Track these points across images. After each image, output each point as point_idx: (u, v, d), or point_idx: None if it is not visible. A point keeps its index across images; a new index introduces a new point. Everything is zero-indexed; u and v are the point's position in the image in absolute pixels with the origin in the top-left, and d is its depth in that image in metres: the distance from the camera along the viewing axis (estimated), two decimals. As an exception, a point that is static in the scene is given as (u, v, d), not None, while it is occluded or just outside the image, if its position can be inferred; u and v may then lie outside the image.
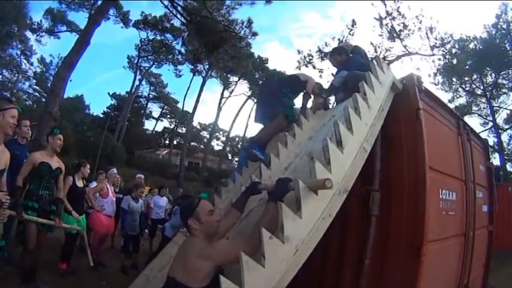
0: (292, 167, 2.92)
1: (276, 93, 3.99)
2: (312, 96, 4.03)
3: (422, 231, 2.35)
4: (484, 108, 26.64)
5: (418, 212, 2.40)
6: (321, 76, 19.79)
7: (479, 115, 27.14)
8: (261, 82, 32.90)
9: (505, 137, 26.84)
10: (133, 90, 40.54)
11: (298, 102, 4.18)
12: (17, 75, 34.30)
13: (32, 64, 35.39)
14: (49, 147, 3.97)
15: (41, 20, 29.94)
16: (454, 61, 22.46)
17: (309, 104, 4.07)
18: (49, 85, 23.09)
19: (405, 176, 2.55)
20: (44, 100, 24.19)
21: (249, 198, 2.42)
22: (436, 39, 20.99)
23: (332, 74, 4.33)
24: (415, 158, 2.52)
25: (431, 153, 2.57)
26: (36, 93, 36.60)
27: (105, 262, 5.64)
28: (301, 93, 4.13)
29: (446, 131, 3.37)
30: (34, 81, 36.42)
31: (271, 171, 2.97)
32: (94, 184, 6.14)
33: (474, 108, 27.19)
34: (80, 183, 5.00)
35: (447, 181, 3.06)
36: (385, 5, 20.02)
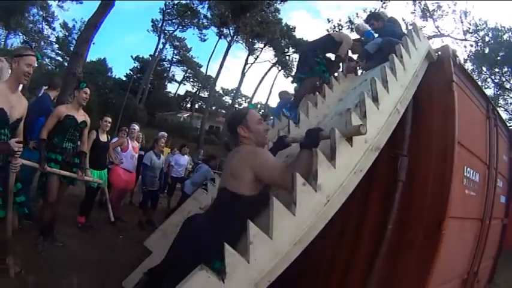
0: (320, 126, 2.87)
1: (308, 54, 4.18)
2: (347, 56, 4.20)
3: (446, 205, 2.33)
4: (511, 103, 25.87)
5: (443, 184, 2.37)
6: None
7: (506, 110, 26.28)
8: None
9: (530, 136, 25.88)
10: (156, 53, 40.75)
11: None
12: (38, 40, 34.54)
13: (54, 29, 35.88)
14: (74, 101, 3.97)
15: (63, -15, 30.03)
16: (486, 50, 21.67)
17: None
18: (72, 48, 23.29)
19: (433, 146, 2.51)
20: (66, 64, 24.42)
21: (277, 153, 2.43)
22: (470, 24, 20.37)
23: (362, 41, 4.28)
24: (445, 130, 2.48)
25: (460, 128, 2.51)
26: (59, 58, 37.00)
27: (123, 217, 5.74)
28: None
29: (476, 111, 3.29)
30: (56, 46, 36.72)
31: (299, 129, 2.96)
32: (116, 139, 6.21)
33: (501, 101, 26.29)
34: (103, 138, 5.00)
35: (472, 160, 3.00)
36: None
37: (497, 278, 4.71)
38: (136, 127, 6.20)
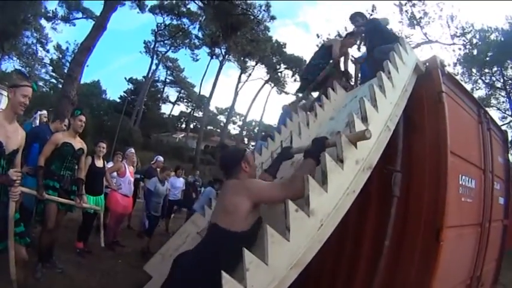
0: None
1: (310, 70, 4.80)
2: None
3: (442, 215, 2.34)
4: (503, 102, 26.00)
5: (439, 195, 2.39)
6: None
7: (498, 109, 26.43)
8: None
9: (523, 133, 26.11)
10: (150, 74, 41.18)
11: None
12: (33, 62, 34.74)
13: (48, 51, 36.00)
14: (71, 129, 4.02)
15: (56, 9, 30.45)
16: (475, 52, 21.93)
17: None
18: (66, 71, 23.42)
19: (426, 158, 2.54)
20: (60, 86, 24.56)
21: (281, 163, 2.50)
22: (457, 28, 20.66)
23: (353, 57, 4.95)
24: (437, 140, 2.51)
25: (452, 138, 2.54)
26: (53, 80, 37.22)
27: (122, 242, 5.73)
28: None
29: (467, 118, 3.32)
30: (50, 68, 37.00)
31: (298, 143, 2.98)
32: (111, 164, 6.22)
33: (493, 101, 26.42)
34: (98, 163, 5.02)
35: (467, 167, 3.02)
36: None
37: (503, 278, 4.73)
38: (133, 151, 6.22)
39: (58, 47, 37.07)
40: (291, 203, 1.60)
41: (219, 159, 2.37)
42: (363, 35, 4.80)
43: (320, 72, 4.72)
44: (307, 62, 5.45)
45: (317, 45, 21.73)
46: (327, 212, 1.69)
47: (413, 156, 2.59)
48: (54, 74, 37.28)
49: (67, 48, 36.88)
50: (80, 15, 31.45)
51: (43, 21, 30.54)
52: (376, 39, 4.15)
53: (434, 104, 2.59)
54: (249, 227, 1.88)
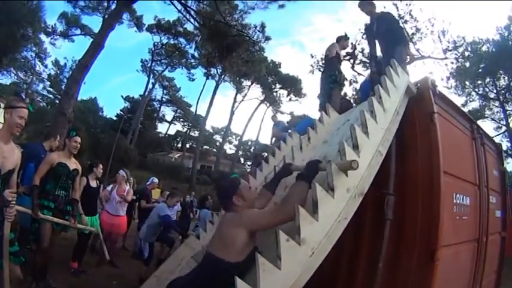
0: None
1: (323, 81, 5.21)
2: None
3: (437, 235, 2.34)
4: (497, 112, 26.22)
5: (432, 216, 2.39)
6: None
7: (493, 119, 26.68)
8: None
9: (518, 142, 26.38)
10: (146, 93, 41.38)
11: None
12: (31, 77, 34.94)
13: (46, 66, 36.39)
14: (66, 149, 4.05)
15: (55, 24, 30.86)
16: (467, 64, 22.24)
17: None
18: (63, 87, 23.47)
19: (419, 179, 2.54)
20: (57, 102, 24.58)
21: (281, 180, 2.54)
22: (449, 43, 20.95)
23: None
24: (429, 162, 2.52)
25: (445, 158, 2.56)
26: (50, 95, 37.41)
27: (116, 263, 5.67)
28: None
29: (460, 135, 3.35)
30: (48, 83, 37.25)
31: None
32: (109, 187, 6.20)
33: (487, 112, 26.73)
34: (93, 184, 5.05)
35: (461, 185, 3.04)
36: (397, 8, 19.96)
37: (505, 286, 4.68)
38: (123, 174, 6.18)
39: (56, 63, 37.58)
40: (281, 233, 1.62)
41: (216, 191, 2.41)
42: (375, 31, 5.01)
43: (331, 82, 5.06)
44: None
45: (311, 65, 22.24)
46: (318, 240, 1.70)
47: (407, 178, 2.60)
48: (51, 90, 37.50)
49: (65, 64, 37.42)
50: (78, 31, 31.78)
51: (42, 36, 30.83)
52: (389, 39, 4.63)
53: (426, 125, 2.62)
54: (244, 257, 1.91)
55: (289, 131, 5.08)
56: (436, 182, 2.45)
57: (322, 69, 5.97)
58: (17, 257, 2.78)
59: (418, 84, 2.83)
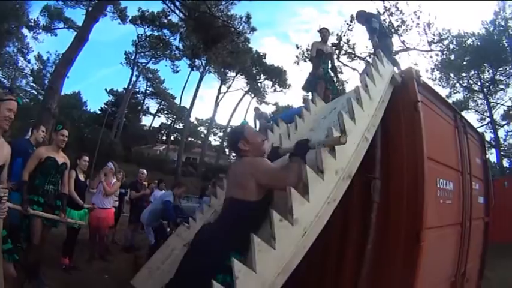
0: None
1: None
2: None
3: (421, 218, 2.44)
4: (481, 104, 27.01)
5: (416, 199, 2.49)
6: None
7: (477, 111, 27.50)
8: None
9: (501, 133, 27.20)
10: (130, 86, 41.03)
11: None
12: (13, 73, 34.16)
13: (29, 61, 35.47)
14: (54, 143, 4.02)
15: (37, 17, 30.10)
16: (452, 57, 22.71)
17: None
18: (46, 82, 23.00)
19: (404, 165, 2.63)
20: (41, 97, 24.10)
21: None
22: (434, 35, 21.40)
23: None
24: (413, 148, 2.61)
25: (429, 144, 2.65)
26: (33, 91, 36.46)
27: (107, 257, 5.73)
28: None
29: (444, 124, 3.46)
30: (31, 78, 36.30)
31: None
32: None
33: (471, 104, 27.51)
34: (81, 177, 5.00)
35: (444, 171, 3.14)
36: (383, 0, 20.20)
37: (490, 272, 4.92)
38: (110, 165, 6.15)
39: (39, 57, 36.66)
40: (275, 213, 1.69)
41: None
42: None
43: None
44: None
45: (296, 56, 22.59)
46: (310, 220, 1.79)
47: (392, 164, 2.69)
48: (34, 85, 36.58)
49: (48, 58, 36.54)
50: (61, 25, 31.09)
51: (24, 30, 30.16)
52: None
53: (410, 113, 2.69)
54: (261, 198, 2.03)
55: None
56: (420, 167, 2.54)
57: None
58: (10, 255, 2.75)
59: (403, 74, 2.92)
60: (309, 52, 21.75)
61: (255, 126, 8.14)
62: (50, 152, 3.90)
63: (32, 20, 29.61)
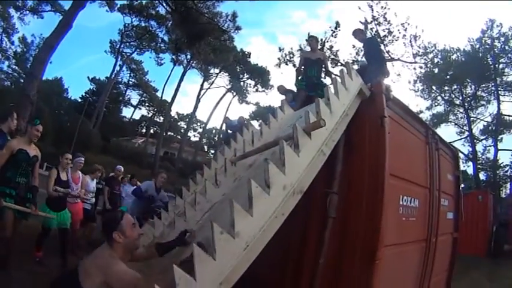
0: (256, 164, 2.99)
1: None
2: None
3: (377, 236, 2.41)
4: (461, 117, 27.65)
5: (375, 217, 2.46)
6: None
7: (456, 124, 28.12)
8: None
9: (479, 147, 27.81)
10: (113, 75, 40.34)
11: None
12: (-3, 53, 33.41)
13: (12, 43, 34.70)
14: (27, 136, 3.99)
15: (25, -3, 29.17)
16: (435, 70, 23.14)
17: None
18: (28, 66, 22.44)
19: (365, 180, 2.61)
20: (22, 81, 23.51)
21: (175, 248, 2.43)
22: (419, 48, 21.69)
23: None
24: (376, 164, 2.58)
25: (394, 161, 2.64)
26: (15, 74, 35.59)
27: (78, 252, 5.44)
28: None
29: (414, 140, 3.47)
30: (14, 61, 35.41)
31: (235, 168, 3.05)
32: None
33: (452, 117, 28.18)
34: (63, 176, 4.80)
35: (409, 188, 3.15)
36: (372, 10, 20.46)
37: (458, 281, 5.02)
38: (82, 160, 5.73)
39: (23, 40, 35.88)
40: (215, 226, 1.65)
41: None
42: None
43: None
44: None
45: (278, 59, 22.74)
46: (253, 234, 1.76)
47: (353, 179, 2.67)
48: (16, 68, 35.66)
49: (32, 42, 35.79)
50: (48, 7, 30.32)
51: (11, 10, 29.44)
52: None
53: (375, 128, 2.66)
54: None
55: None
56: (381, 184, 2.51)
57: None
58: None
59: (372, 88, 2.89)
60: (291, 55, 22.06)
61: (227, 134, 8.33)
62: (22, 144, 3.84)
63: (20, 0, 28.97)
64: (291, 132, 2.12)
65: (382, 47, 20.02)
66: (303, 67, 5.96)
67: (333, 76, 5.47)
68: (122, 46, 38.78)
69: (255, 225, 1.77)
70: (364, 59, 6.73)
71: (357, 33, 6.20)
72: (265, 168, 1.86)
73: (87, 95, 41.89)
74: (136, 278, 1.90)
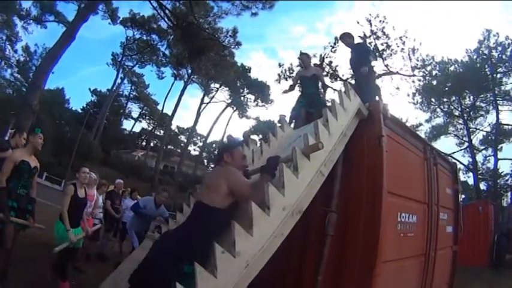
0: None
1: None
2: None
3: (376, 252, 2.45)
4: (460, 129, 27.66)
5: (373, 234, 2.50)
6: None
7: (456, 135, 28.13)
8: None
9: (479, 157, 27.77)
10: (114, 88, 40.69)
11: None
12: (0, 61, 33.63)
13: (16, 51, 34.94)
14: (29, 146, 3.98)
15: (30, 7, 29.52)
16: (434, 82, 23.25)
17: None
18: (31, 75, 22.59)
19: (363, 199, 2.65)
20: (24, 90, 23.64)
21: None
22: (418, 61, 21.74)
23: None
24: (373, 182, 2.63)
25: (392, 179, 2.69)
26: (18, 82, 35.75)
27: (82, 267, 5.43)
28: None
29: (412, 157, 3.50)
30: (16, 69, 35.61)
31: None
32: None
33: (451, 128, 28.23)
34: (81, 193, 4.35)
35: (408, 204, 3.19)
36: (370, 24, 20.61)
37: None
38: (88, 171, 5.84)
39: (26, 49, 36.09)
40: (217, 246, 1.73)
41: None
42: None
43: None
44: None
45: (278, 74, 22.54)
46: (253, 253, 1.83)
47: (351, 197, 2.72)
48: (19, 77, 35.82)
49: (35, 51, 35.99)
50: (52, 18, 30.63)
51: (15, 19, 29.74)
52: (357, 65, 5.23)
53: (373, 147, 2.72)
54: (226, 206, 2.18)
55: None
56: (378, 202, 2.56)
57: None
58: None
59: (370, 107, 2.95)
60: (291, 71, 22.14)
61: None
62: (24, 156, 3.85)
63: (24, 9, 29.32)
64: (290, 154, 2.20)
65: (381, 60, 20.17)
66: (300, 87, 5.94)
67: (331, 97, 5.40)
68: (124, 59, 39.30)
69: (255, 245, 1.83)
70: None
71: (344, 38, 5.69)
72: (265, 190, 1.93)
73: (88, 107, 42.09)
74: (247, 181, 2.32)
